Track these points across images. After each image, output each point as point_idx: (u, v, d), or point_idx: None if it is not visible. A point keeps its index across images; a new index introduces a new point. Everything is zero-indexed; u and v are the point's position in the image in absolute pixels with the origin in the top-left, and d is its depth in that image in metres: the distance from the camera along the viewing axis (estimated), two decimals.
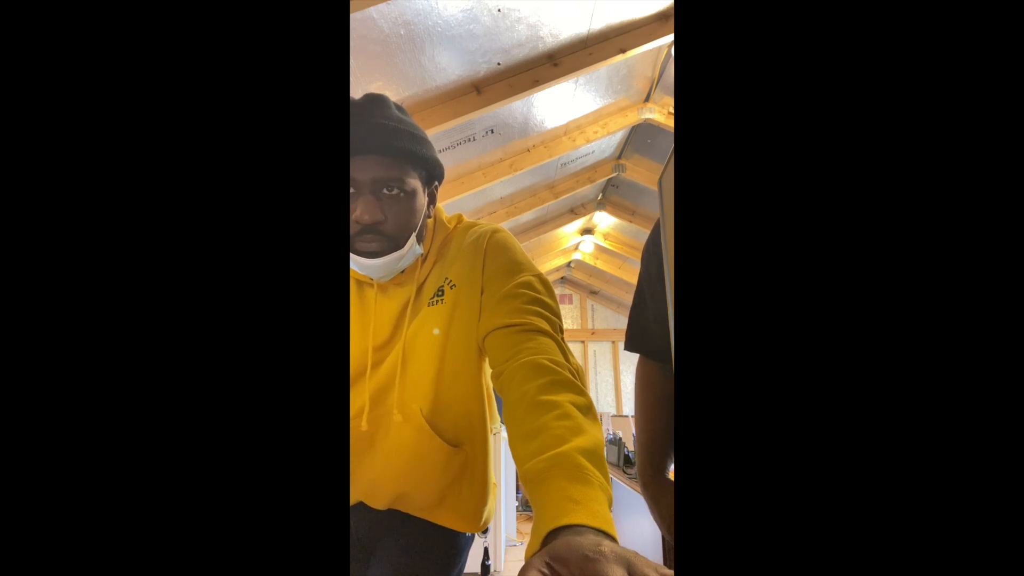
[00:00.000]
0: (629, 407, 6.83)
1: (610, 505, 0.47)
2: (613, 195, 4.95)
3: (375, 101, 0.71)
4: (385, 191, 0.69)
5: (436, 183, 0.78)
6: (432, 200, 0.78)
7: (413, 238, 0.73)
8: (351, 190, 0.68)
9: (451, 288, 0.76)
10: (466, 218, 0.85)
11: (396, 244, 0.71)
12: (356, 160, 0.67)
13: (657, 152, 3.98)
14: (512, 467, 3.86)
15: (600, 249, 6.00)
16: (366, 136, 0.67)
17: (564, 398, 0.57)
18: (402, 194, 0.70)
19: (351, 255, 0.70)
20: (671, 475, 0.93)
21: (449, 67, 2.48)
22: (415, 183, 0.72)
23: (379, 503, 0.78)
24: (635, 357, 0.97)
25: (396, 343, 0.77)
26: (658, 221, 0.72)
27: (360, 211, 0.67)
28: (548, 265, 6.41)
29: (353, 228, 0.69)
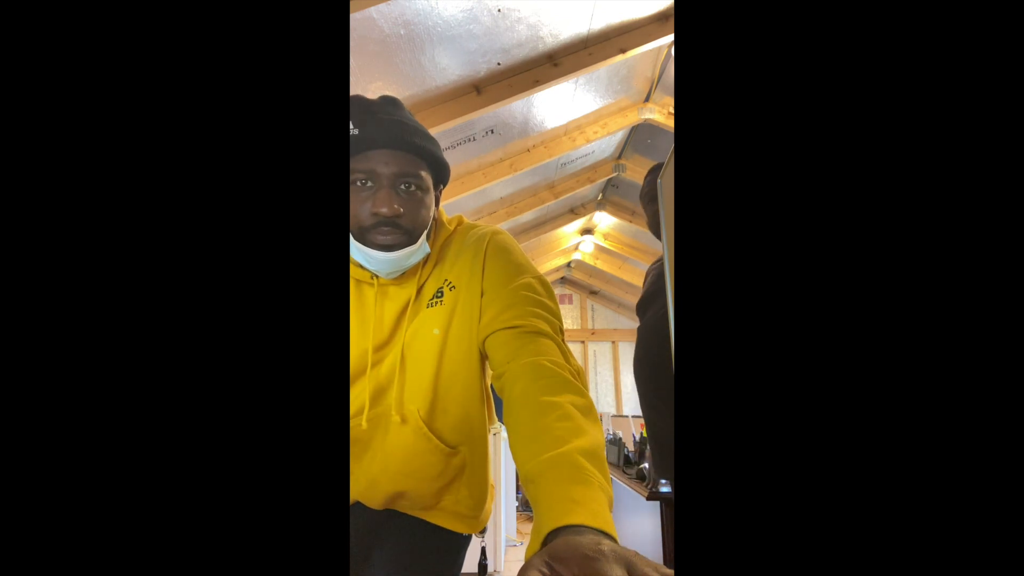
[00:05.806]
0: (629, 407, 6.82)
1: (610, 505, 0.47)
2: (613, 195, 4.95)
3: (392, 101, 0.74)
4: (403, 186, 0.70)
5: (441, 186, 0.79)
6: (436, 202, 0.79)
7: (425, 235, 0.74)
8: (369, 183, 0.69)
9: (450, 290, 0.76)
10: (466, 220, 0.86)
11: (411, 239, 0.72)
12: (378, 154, 0.69)
13: (657, 152, 3.98)
14: (512, 467, 3.86)
15: (600, 249, 6.00)
16: (387, 131, 0.69)
17: (565, 399, 0.57)
18: (418, 191, 0.72)
19: (363, 248, 0.70)
20: None
21: (449, 67, 2.48)
22: (429, 181, 0.74)
23: (376, 503, 0.78)
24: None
25: (395, 344, 0.77)
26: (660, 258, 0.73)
27: (379, 203, 0.68)
28: (548, 265, 6.41)
29: (371, 220, 0.69)
